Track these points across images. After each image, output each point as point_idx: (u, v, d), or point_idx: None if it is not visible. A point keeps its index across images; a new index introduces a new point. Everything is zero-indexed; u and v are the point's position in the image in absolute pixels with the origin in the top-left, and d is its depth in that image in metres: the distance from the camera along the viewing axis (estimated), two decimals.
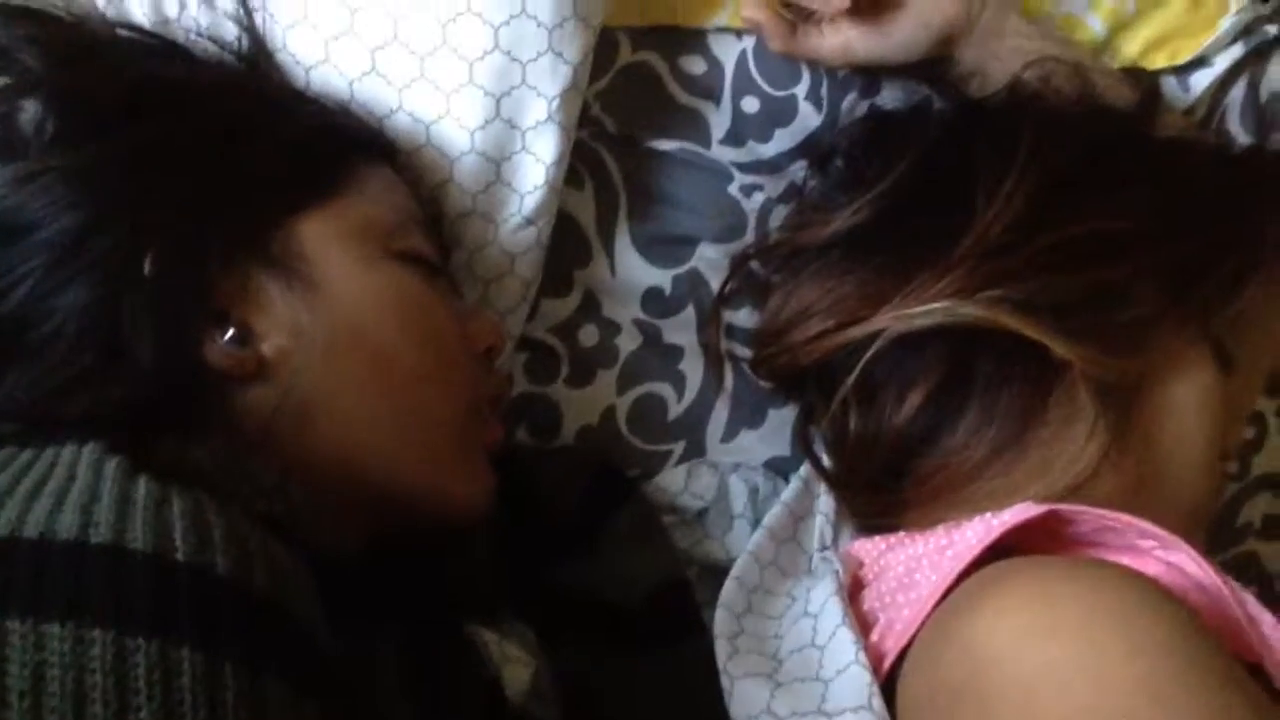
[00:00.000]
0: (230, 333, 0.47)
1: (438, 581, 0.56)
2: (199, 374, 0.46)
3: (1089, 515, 0.48)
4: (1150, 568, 0.47)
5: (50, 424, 0.42)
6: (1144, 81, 0.70)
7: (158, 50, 0.56)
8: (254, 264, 0.49)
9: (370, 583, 0.52)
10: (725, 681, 0.50)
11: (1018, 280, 0.55)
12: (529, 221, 0.62)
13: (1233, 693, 0.37)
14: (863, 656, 0.48)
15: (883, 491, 0.60)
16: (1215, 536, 0.75)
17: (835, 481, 0.62)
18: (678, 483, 0.67)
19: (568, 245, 0.67)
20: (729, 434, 0.69)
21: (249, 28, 0.59)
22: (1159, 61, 0.72)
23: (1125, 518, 0.47)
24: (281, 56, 0.59)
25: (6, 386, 0.45)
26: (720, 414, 0.68)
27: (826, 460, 0.64)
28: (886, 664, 0.48)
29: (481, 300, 0.63)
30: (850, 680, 0.47)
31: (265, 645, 0.33)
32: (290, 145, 0.53)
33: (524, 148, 0.60)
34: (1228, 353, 0.60)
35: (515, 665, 0.56)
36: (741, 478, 0.68)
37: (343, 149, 0.55)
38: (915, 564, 0.51)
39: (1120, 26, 0.71)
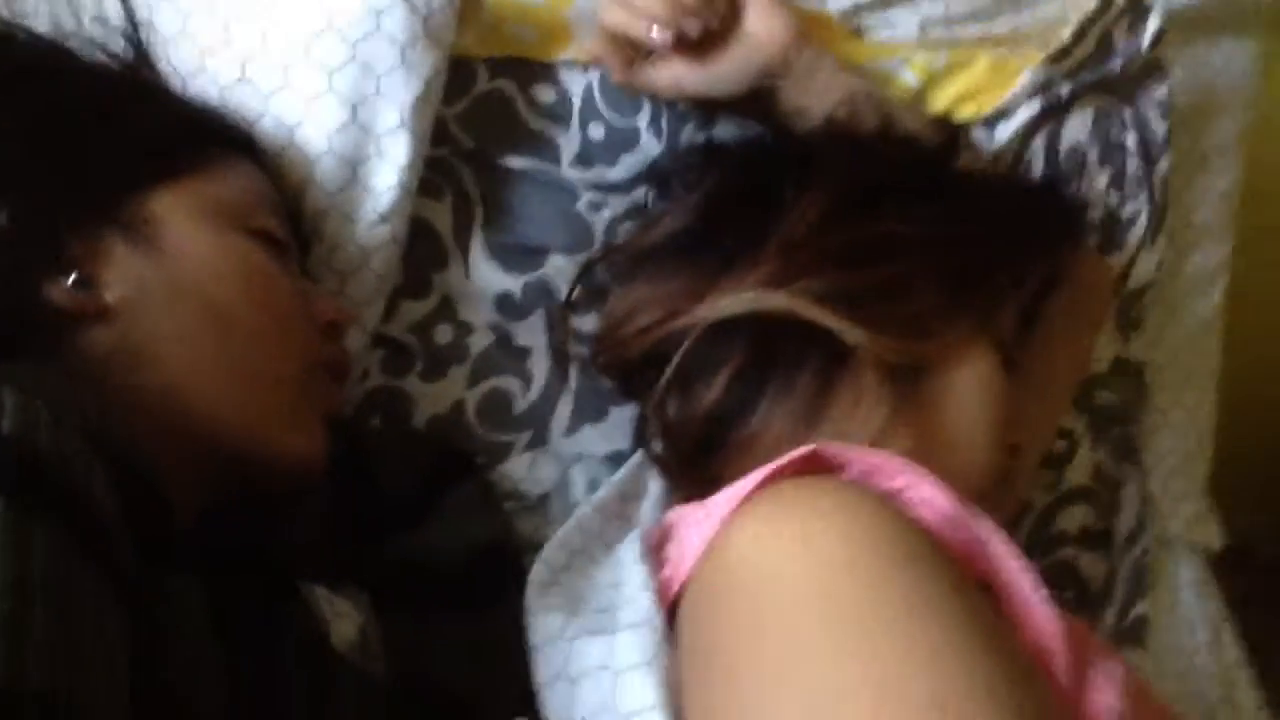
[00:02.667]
0: (74, 277, 0.52)
1: (272, 539, 0.59)
2: (41, 312, 0.51)
3: (850, 455, 0.53)
4: (908, 503, 0.53)
5: None
6: (947, 126, 0.79)
7: (38, 42, 0.62)
8: (105, 225, 0.54)
9: (201, 534, 0.56)
10: (527, 617, 0.54)
11: (816, 274, 0.62)
12: (383, 220, 0.67)
13: (937, 590, 0.42)
14: (650, 583, 0.52)
15: (700, 467, 0.65)
16: (1033, 543, 0.81)
17: (661, 462, 0.67)
18: (521, 470, 0.71)
19: (427, 251, 0.73)
20: (572, 428, 0.73)
21: (132, 37, 0.65)
22: (966, 113, 0.81)
23: (883, 456, 0.53)
24: (162, 67, 0.66)
25: None
26: (564, 409, 0.73)
27: (656, 446, 0.69)
28: (673, 592, 0.52)
29: (339, 292, 0.68)
30: (636, 605, 0.51)
31: (43, 497, 0.37)
32: (150, 129, 0.59)
33: (378, 152, 0.67)
34: (1010, 351, 0.66)
35: (343, 620, 0.59)
36: (583, 469, 0.73)
37: (204, 139, 0.61)
38: (706, 511, 0.56)
39: (931, 82, 0.81)
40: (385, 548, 0.63)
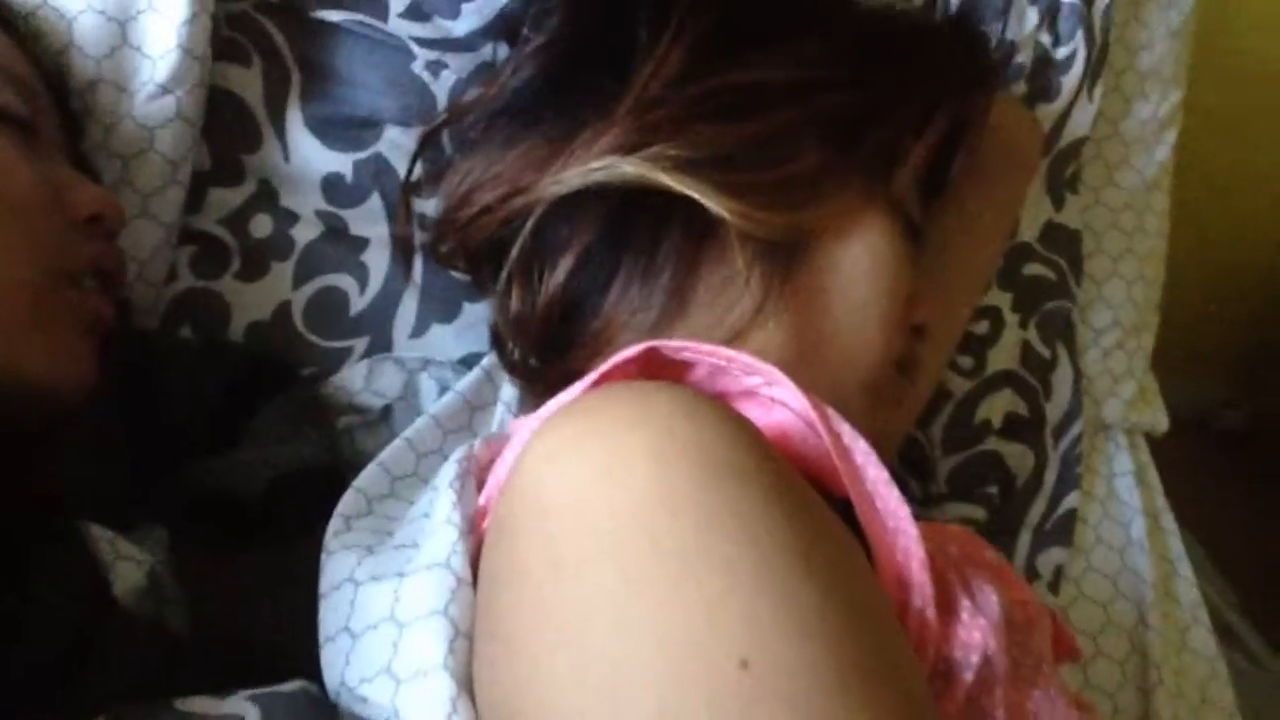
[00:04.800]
0: None
1: (32, 475, 0.50)
2: None
3: (693, 354, 0.44)
4: (758, 406, 0.44)
5: None
6: None
7: None
8: None
9: None
10: (324, 559, 0.46)
11: (673, 135, 0.52)
12: (164, 90, 0.57)
13: (767, 520, 0.34)
14: (456, 515, 0.43)
15: (550, 366, 0.56)
16: (952, 434, 0.73)
17: (507, 364, 0.58)
18: (358, 380, 0.62)
19: (236, 129, 0.62)
20: (418, 329, 0.64)
21: None
22: None
23: (729, 353, 0.44)
24: None
25: None
26: (408, 308, 0.64)
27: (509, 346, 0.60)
28: (486, 522, 0.44)
29: (121, 180, 0.58)
30: (438, 540, 0.43)
31: None
32: None
33: (149, 5, 0.55)
34: (912, 218, 0.57)
35: (127, 563, 0.50)
36: (432, 375, 0.63)
37: None
38: (535, 422, 0.47)
39: None
40: (183, 477, 0.54)
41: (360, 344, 0.63)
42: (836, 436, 0.41)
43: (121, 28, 0.55)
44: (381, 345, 0.64)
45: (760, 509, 0.34)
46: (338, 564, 0.45)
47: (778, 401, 0.44)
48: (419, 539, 0.44)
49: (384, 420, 0.63)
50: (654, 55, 0.54)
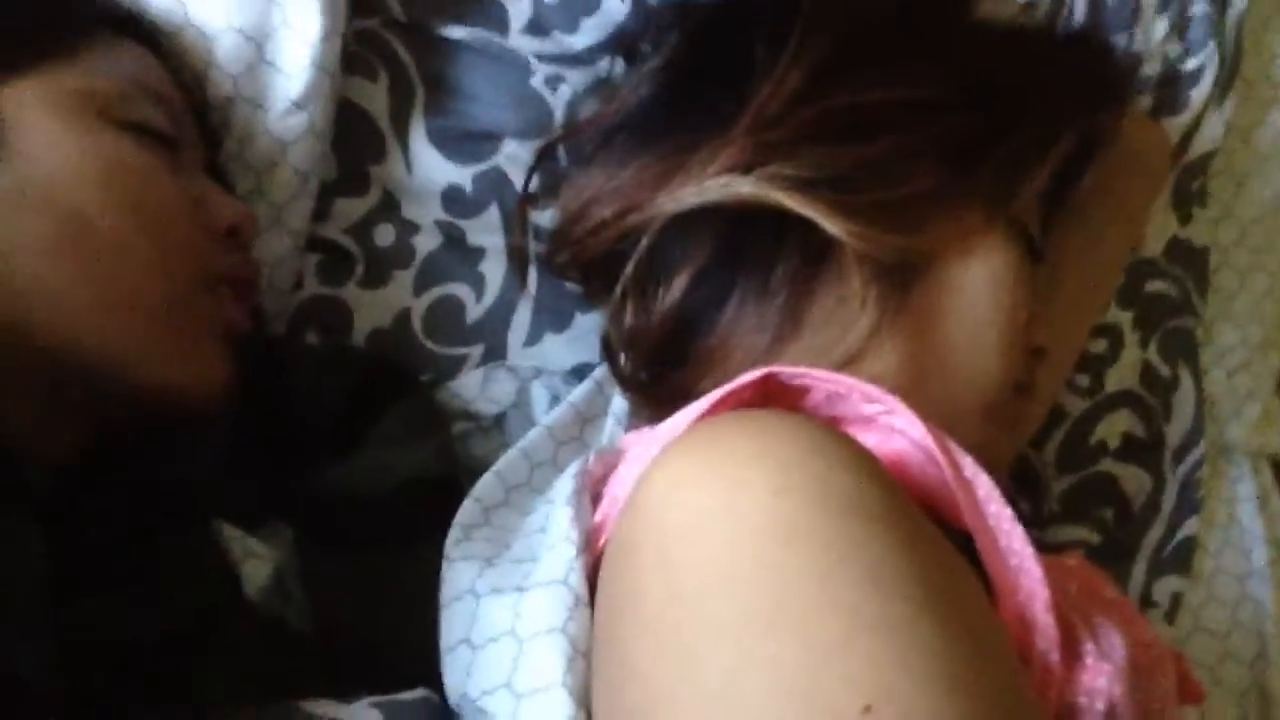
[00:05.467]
0: None
1: (170, 475, 0.53)
2: None
3: (812, 380, 0.44)
4: (876, 435, 0.44)
5: None
6: None
7: None
8: None
9: (87, 471, 0.50)
10: (445, 568, 0.47)
11: (790, 155, 0.52)
12: (298, 106, 0.59)
13: (886, 555, 0.34)
14: (574, 533, 0.44)
15: (662, 383, 0.56)
16: (1066, 455, 0.71)
17: (620, 377, 0.59)
18: (473, 387, 0.64)
19: (362, 141, 0.64)
20: (532, 338, 0.65)
21: None
22: None
23: (848, 380, 0.44)
24: None
25: None
26: (523, 317, 0.65)
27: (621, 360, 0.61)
28: (603, 541, 0.45)
29: (254, 191, 0.60)
30: (555, 557, 0.44)
31: None
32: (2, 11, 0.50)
33: (285, 23, 0.57)
34: (1034, 239, 0.56)
35: (254, 561, 0.53)
36: (544, 384, 0.65)
37: (69, 21, 0.52)
38: (652, 442, 0.47)
39: None
40: (309, 479, 0.56)
41: (476, 351, 0.65)
42: (958, 470, 0.41)
43: (259, 46, 0.57)
44: (496, 353, 0.65)
45: (884, 547, 0.34)
46: (458, 575, 0.46)
47: (896, 430, 0.44)
48: (537, 553, 0.45)
49: (497, 427, 0.64)
50: (772, 75, 0.54)
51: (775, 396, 0.46)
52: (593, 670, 0.39)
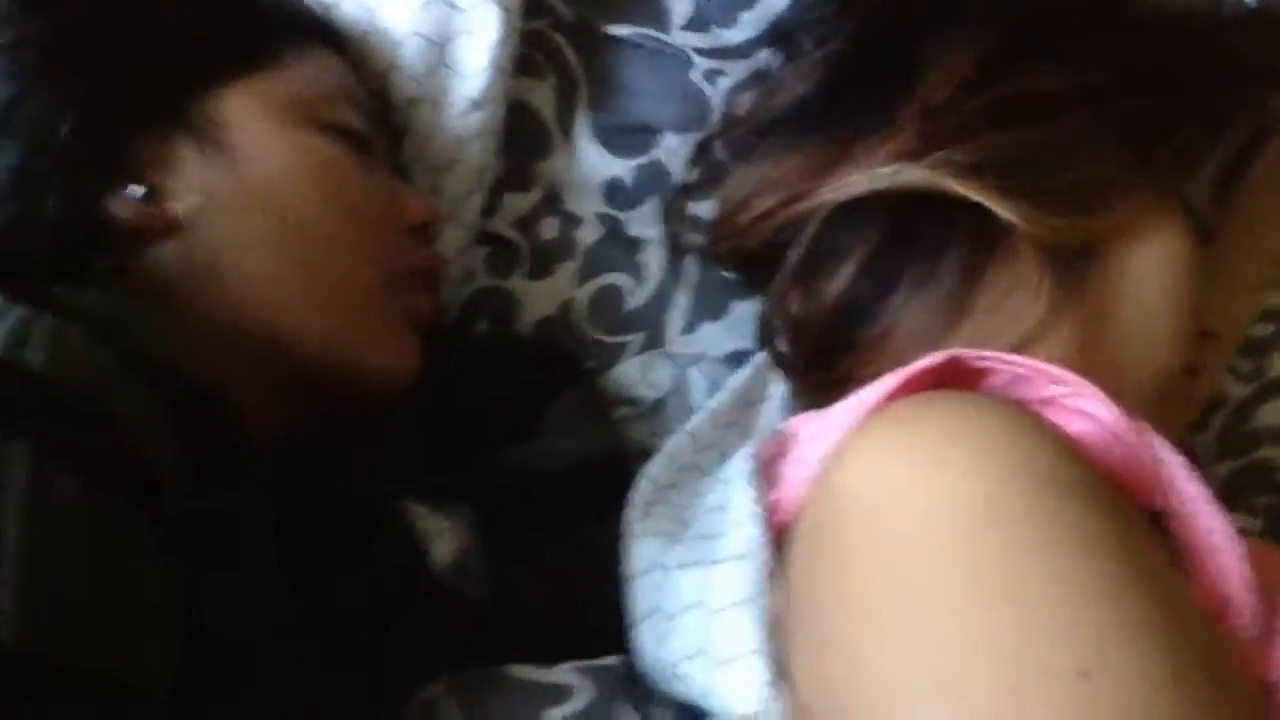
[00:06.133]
0: (139, 190, 0.49)
1: (363, 454, 0.56)
2: (107, 229, 0.48)
3: (998, 363, 0.45)
4: (1061, 416, 0.44)
5: None
6: None
7: None
8: (171, 130, 0.51)
9: (289, 456, 0.53)
10: (627, 542, 0.50)
11: (961, 141, 0.53)
12: (476, 106, 0.62)
13: (1085, 531, 0.35)
14: (756, 510, 0.46)
15: (827, 368, 0.58)
16: (1226, 440, 0.70)
17: (783, 363, 0.60)
18: (634, 374, 0.66)
19: (528, 137, 0.67)
20: (689, 326, 0.67)
21: None
22: None
23: (1034, 363, 0.44)
24: None
25: None
26: (680, 305, 0.67)
27: (780, 345, 0.62)
28: (783, 516, 0.46)
29: (433, 189, 0.63)
30: (741, 533, 0.46)
31: (68, 442, 0.34)
32: (216, 23, 0.55)
33: (465, 28, 0.61)
34: (1205, 222, 0.55)
35: (441, 538, 0.56)
36: (702, 370, 0.67)
37: (275, 28, 0.56)
38: (826, 423, 0.49)
39: None
40: (487, 460, 0.59)
41: (636, 340, 0.67)
42: (1152, 450, 0.41)
43: (441, 50, 0.61)
44: (655, 341, 0.67)
45: (1089, 520, 0.35)
46: (644, 550, 0.48)
47: (1080, 412, 0.44)
48: (719, 530, 0.47)
49: (655, 412, 0.67)
50: (940, 64, 0.55)
51: (955, 378, 0.47)
52: (791, 640, 0.41)
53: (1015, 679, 0.31)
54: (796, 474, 0.48)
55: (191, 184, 0.50)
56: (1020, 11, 0.56)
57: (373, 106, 0.60)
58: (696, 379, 0.67)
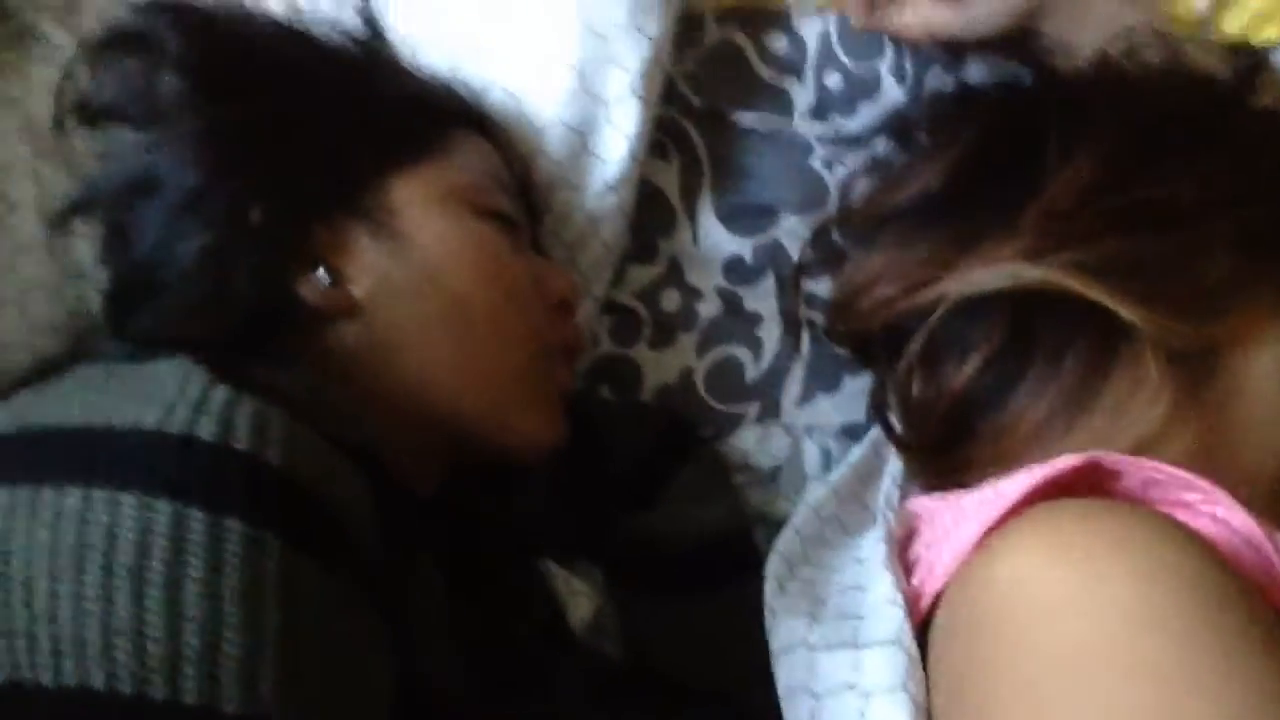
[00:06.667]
0: (323, 275, 0.53)
1: (505, 516, 0.60)
2: (293, 310, 0.52)
3: (1132, 466, 0.48)
4: (1196, 521, 0.47)
5: (162, 347, 0.48)
6: (1247, 55, 0.69)
7: (279, 32, 0.63)
8: (348, 216, 0.55)
9: (441, 514, 0.57)
10: (769, 617, 0.53)
11: (1085, 243, 0.55)
12: (611, 189, 0.66)
13: (1244, 637, 0.37)
14: (899, 596, 0.49)
15: (946, 454, 0.60)
16: None
17: (901, 444, 0.63)
18: (751, 442, 0.69)
19: (654, 215, 0.70)
20: (804, 398, 0.71)
21: (365, 14, 0.65)
22: (1266, 34, 0.70)
23: (1168, 468, 0.47)
24: (393, 39, 0.66)
25: (136, 320, 0.53)
26: (796, 378, 0.71)
27: (896, 424, 0.65)
28: (923, 605, 0.49)
29: (567, 263, 0.67)
30: (884, 618, 0.48)
31: (305, 528, 0.38)
32: (387, 114, 0.58)
33: (607, 119, 0.64)
34: None
35: (579, 599, 0.60)
36: (815, 441, 0.70)
37: (436, 118, 0.60)
38: (960, 514, 0.52)
39: (1222, 2, 0.70)
40: (618, 525, 0.63)
41: (753, 409, 0.70)
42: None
43: (583, 138, 0.65)
44: (771, 411, 0.70)
45: (1237, 632, 0.38)
46: (786, 626, 0.51)
47: (1213, 517, 0.47)
48: (859, 611, 0.50)
49: (772, 480, 0.70)
50: (1066, 167, 0.58)
51: (1090, 478, 0.50)
52: None
53: None
54: (933, 563, 0.51)
55: (367, 268, 0.54)
56: (1141, 121, 0.58)
57: (516, 188, 0.64)
58: (810, 449, 0.70)
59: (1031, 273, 0.56)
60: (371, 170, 0.56)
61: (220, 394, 0.40)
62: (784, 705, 0.49)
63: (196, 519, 0.35)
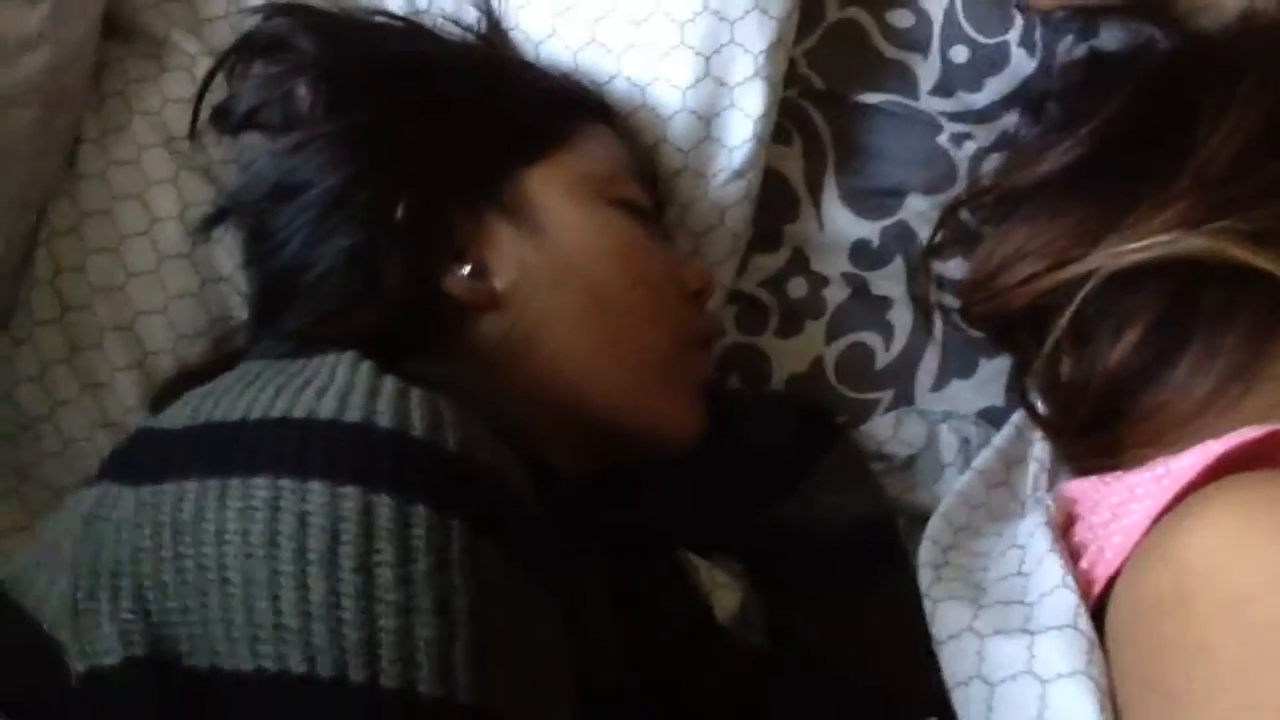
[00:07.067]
0: (468, 268, 0.53)
1: (649, 509, 0.59)
2: (441, 303, 0.52)
3: None
4: None
5: (318, 344, 0.49)
6: None
7: (406, 31, 0.64)
8: (488, 209, 0.55)
9: (586, 504, 0.57)
10: (928, 605, 0.51)
11: (1246, 209, 0.53)
12: (738, 175, 0.65)
13: None
14: (1070, 580, 0.47)
15: (1099, 434, 0.58)
16: None
17: (1050, 426, 0.61)
18: (886, 430, 0.67)
19: (777, 202, 0.69)
20: (939, 383, 0.69)
21: (486, 9, 0.65)
22: None
23: None
24: (514, 34, 0.66)
25: (287, 320, 0.53)
26: (930, 363, 0.69)
27: (1041, 406, 0.63)
28: (1096, 589, 0.47)
29: (694, 253, 0.66)
30: (1056, 602, 0.47)
31: (486, 511, 0.38)
32: (518, 107, 0.59)
33: (732, 104, 0.63)
34: None
35: (724, 591, 0.59)
36: (952, 427, 0.68)
37: (564, 110, 0.60)
38: (1129, 494, 0.50)
39: None
40: (761, 516, 0.62)
41: (886, 396, 0.69)
42: None
43: (708, 124, 0.64)
44: (905, 398, 0.69)
45: None
46: (950, 614, 0.50)
47: None
48: (1026, 597, 0.49)
49: (908, 468, 0.68)
50: (1218, 129, 0.55)
51: (1261, 451, 0.47)
52: (1130, 712, 0.42)
53: None
54: (1105, 546, 0.49)
55: (508, 260, 0.54)
56: None
57: (644, 178, 0.63)
58: (947, 436, 0.68)
59: (1192, 241, 0.54)
60: (507, 163, 0.56)
61: (390, 384, 0.40)
62: (955, 694, 0.47)
63: (385, 505, 0.35)
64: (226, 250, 0.64)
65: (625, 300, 0.55)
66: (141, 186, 0.64)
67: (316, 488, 0.36)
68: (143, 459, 0.41)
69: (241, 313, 0.63)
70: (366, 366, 0.41)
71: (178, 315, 0.64)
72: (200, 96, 0.62)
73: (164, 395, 0.61)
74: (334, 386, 0.40)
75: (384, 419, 0.38)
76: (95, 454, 0.62)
